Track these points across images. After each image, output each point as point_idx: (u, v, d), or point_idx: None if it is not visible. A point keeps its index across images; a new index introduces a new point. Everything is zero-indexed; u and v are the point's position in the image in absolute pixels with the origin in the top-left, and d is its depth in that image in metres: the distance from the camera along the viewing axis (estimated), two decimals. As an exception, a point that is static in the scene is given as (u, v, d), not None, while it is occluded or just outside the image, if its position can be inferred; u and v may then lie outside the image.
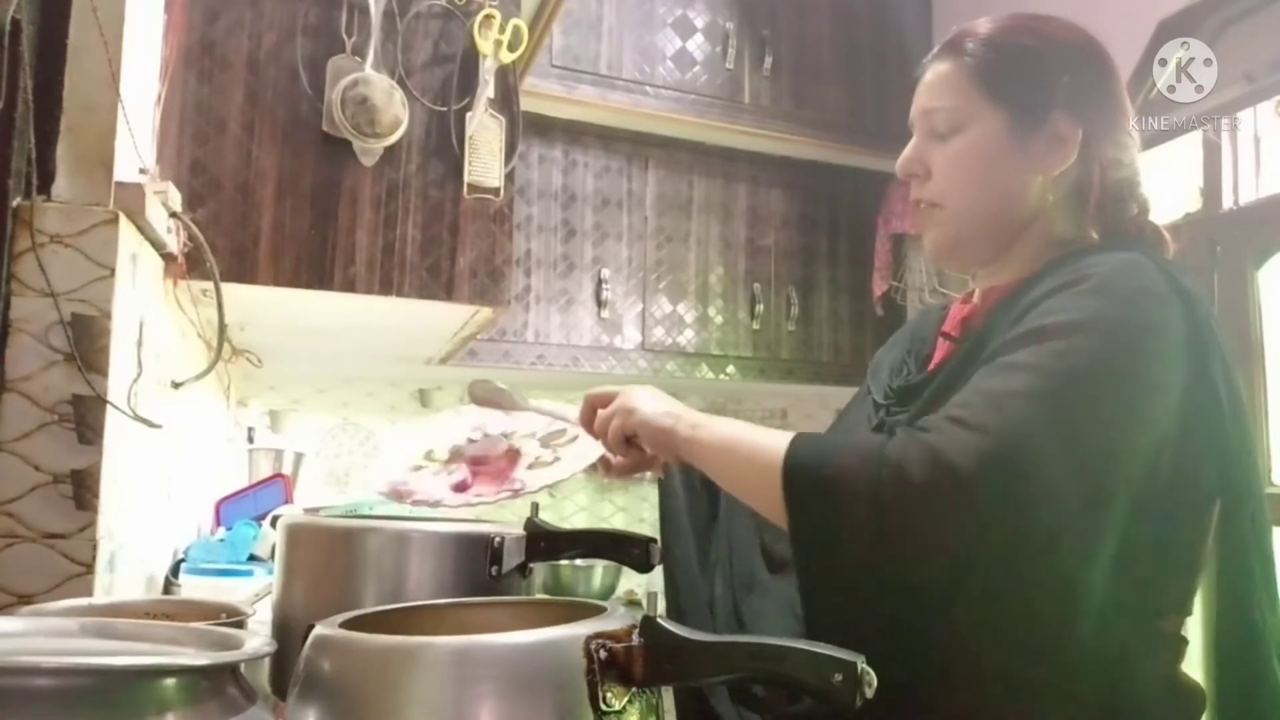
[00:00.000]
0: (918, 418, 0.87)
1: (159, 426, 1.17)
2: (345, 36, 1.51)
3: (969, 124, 0.89)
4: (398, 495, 1.03)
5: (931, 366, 0.95)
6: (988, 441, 0.68)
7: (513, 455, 1.06)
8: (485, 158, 1.59)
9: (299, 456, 2.36)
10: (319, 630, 0.60)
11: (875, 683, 0.51)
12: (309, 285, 1.49)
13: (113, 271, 1.03)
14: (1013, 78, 0.88)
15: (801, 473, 0.75)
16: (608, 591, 2.56)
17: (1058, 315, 0.76)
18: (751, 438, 0.82)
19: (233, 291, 1.42)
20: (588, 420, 1.01)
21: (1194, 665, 0.83)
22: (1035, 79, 0.88)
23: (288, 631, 0.83)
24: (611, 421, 0.95)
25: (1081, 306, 0.76)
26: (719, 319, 2.67)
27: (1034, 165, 0.88)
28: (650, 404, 0.92)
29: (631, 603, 2.60)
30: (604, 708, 0.54)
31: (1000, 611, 0.73)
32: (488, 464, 1.06)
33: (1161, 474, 0.77)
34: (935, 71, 0.92)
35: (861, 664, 0.51)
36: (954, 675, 0.75)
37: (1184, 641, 0.82)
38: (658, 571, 0.95)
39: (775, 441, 0.79)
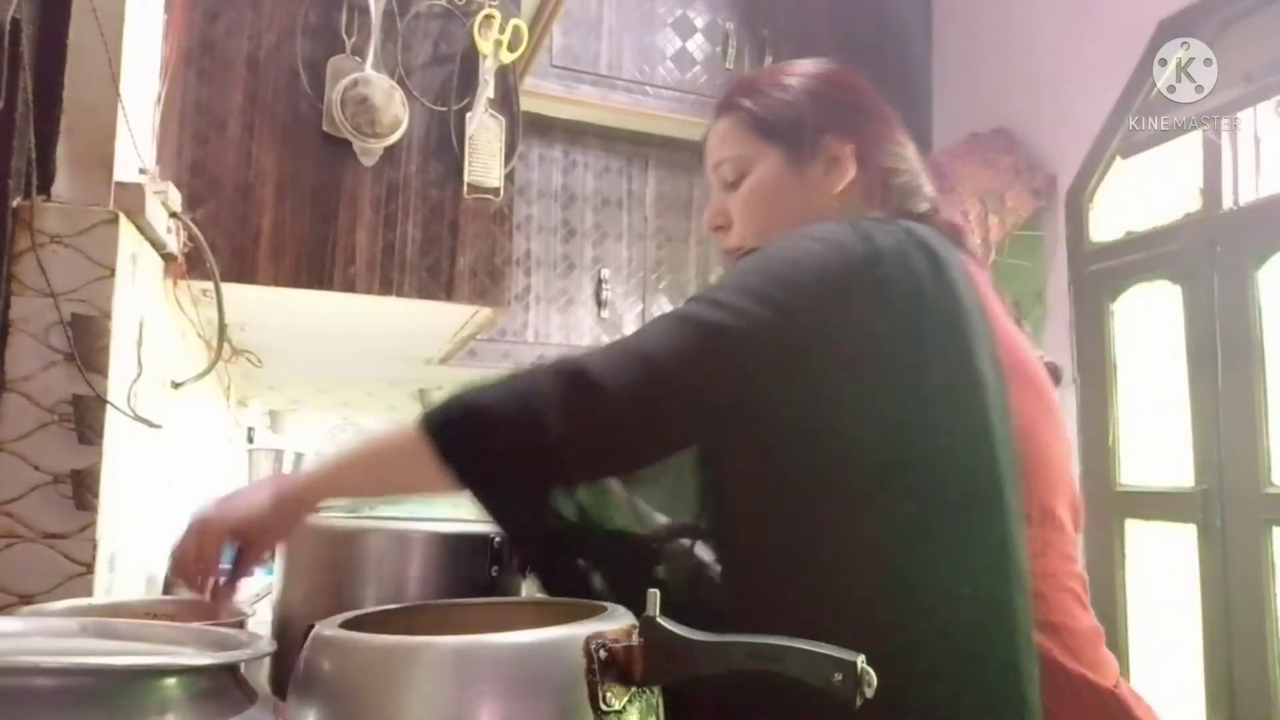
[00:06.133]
0: None
1: (159, 426, 1.17)
2: (345, 36, 1.51)
3: (752, 167, 0.94)
4: None
5: None
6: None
7: None
8: (485, 158, 1.59)
9: (299, 456, 2.36)
10: (319, 630, 0.60)
11: (875, 682, 0.51)
12: (309, 285, 1.49)
13: (113, 271, 1.03)
14: (777, 115, 0.94)
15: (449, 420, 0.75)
16: (608, 591, 2.55)
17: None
18: (371, 435, 0.81)
19: (233, 291, 1.42)
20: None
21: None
22: (796, 111, 0.94)
23: (288, 631, 0.83)
24: (190, 549, 0.84)
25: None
26: (719, 319, 2.67)
27: (817, 187, 0.92)
28: (238, 498, 0.85)
29: (631, 603, 2.60)
30: (604, 708, 0.54)
31: None
32: None
33: None
34: (715, 130, 0.98)
35: (861, 663, 0.51)
36: None
37: None
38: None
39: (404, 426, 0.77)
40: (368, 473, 0.81)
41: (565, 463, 0.75)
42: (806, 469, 0.75)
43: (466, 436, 0.74)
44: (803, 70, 0.98)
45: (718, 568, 0.83)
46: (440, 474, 0.74)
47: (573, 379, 0.73)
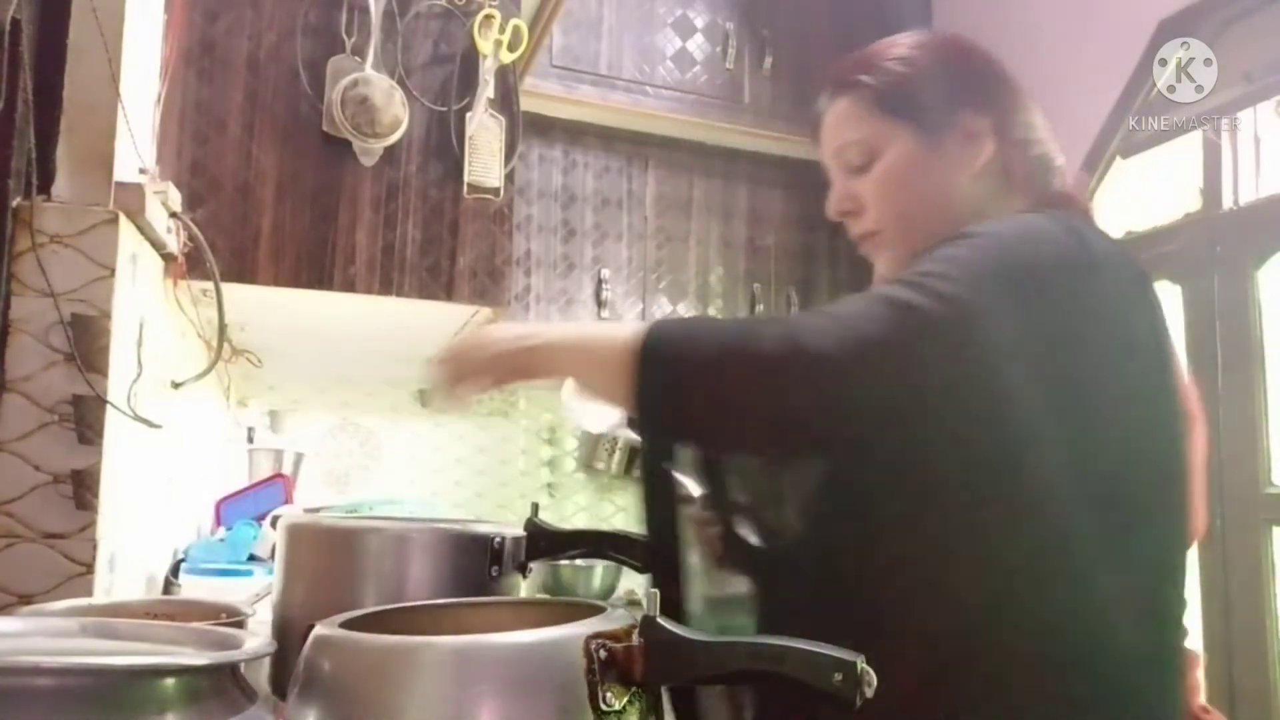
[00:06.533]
0: None
1: (159, 426, 1.17)
2: (345, 36, 1.51)
3: (883, 149, 0.89)
4: None
5: None
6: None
7: None
8: (485, 158, 1.59)
9: (299, 456, 2.36)
10: (319, 630, 0.60)
11: (875, 682, 0.51)
12: (309, 285, 1.49)
13: (113, 271, 1.03)
14: (908, 93, 0.89)
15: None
16: (608, 591, 2.55)
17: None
18: (603, 327, 0.80)
19: (233, 291, 1.42)
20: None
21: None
22: (928, 88, 0.89)
23: (288, 631, 0.83)
24: (461, 365, 0.85)
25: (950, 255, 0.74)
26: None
27: (954, 165, 0.88)
28: (500, 333, 0.85)
29: (631, 603, 2.60)
30: (604, 708, 0.54)
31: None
32: None
33: None
34: (834, 111, 0.93)
35: (861, 663, 0.51)
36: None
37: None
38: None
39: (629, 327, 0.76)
40: (576, 368, 0.80)
41: (752, 435, 0.72)
42: (981, 474, 0.71)
43: (665, 383, 0.71)
44: (922, 41, 0.92)
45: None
46: (631, 402, 0.72)
47: (793, 350, 0.67)
